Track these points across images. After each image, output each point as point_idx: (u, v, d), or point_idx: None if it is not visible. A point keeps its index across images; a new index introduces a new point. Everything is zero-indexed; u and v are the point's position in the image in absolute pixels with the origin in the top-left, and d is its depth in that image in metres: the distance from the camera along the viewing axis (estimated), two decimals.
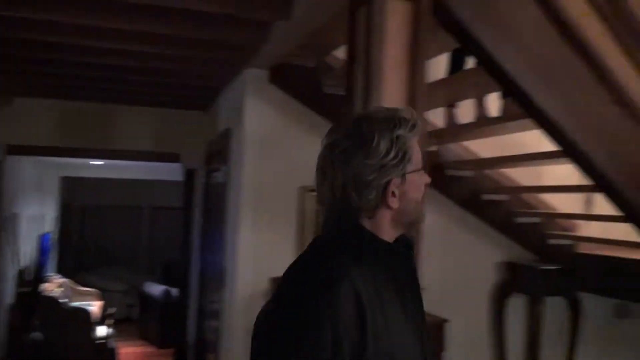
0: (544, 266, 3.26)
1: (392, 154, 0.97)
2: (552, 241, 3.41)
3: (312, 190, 3.19)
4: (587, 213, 3.49)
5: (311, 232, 3.25)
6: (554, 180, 3.29)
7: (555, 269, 3.26)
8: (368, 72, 1.54)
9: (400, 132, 0.98)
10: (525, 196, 3.38)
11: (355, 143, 0.97)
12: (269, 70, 3.20)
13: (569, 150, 2.02)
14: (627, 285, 3.07)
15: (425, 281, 3.17)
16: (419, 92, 1.57)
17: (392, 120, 0.99)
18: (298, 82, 3.16)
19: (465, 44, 1.81)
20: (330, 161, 0.99)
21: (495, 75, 1.85)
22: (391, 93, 1.55)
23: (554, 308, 3.41)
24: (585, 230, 3.45)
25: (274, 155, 3.27)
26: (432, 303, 3.14)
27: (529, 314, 3.22)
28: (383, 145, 0.96)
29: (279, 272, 3.94)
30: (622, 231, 2.63)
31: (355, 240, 1.00)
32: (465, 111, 3.06)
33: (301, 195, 3.27)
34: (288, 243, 3.28)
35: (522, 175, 3.38)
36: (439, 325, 2.95)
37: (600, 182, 2.17)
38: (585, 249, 3.37)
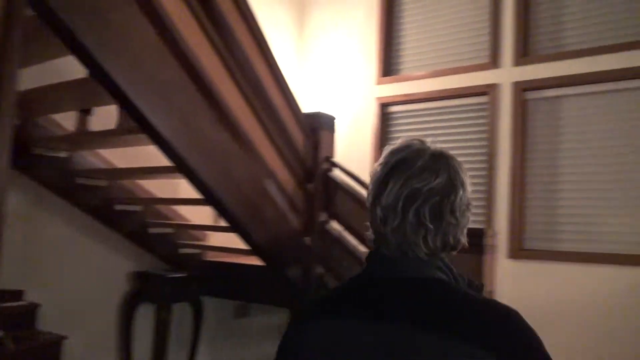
0: (172, 274, 3.40)
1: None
2: (183, 250, 3.62)
3: None
4: (217, 225, 3.83)
5: None
6: (188, 193, 3.48)
7: (182, 276, 3.44)
8: None
9: None
10: (160, 207, 3.49)
11: (463, 188, 0.96)
12: None
13: (181, 167, 2.19)
14: (244, 287, 3.49)
15: (43, 298, 2.95)
16: (8, 94, 1.45)
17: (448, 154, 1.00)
18: None
19: (75, 53, 1.76)
20: (450, 210, 0.94)
21: (108, 88, 1.87)
22: None
23: (183, 313, 3.62)
24: (213, 239, 3.77)
25: None
26: (50, 319, 2.95)
27: (156, 321, 3.31)
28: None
29: None
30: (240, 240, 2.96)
31: (464, 283, 1.00)
32: (103, 118, 2.97)
33: None
34: None
35: (160, 187, 3.47)
36: (56, 343, 2.78)
37: (209, 198, 2.41)
38: (211, 256, 3.69)
